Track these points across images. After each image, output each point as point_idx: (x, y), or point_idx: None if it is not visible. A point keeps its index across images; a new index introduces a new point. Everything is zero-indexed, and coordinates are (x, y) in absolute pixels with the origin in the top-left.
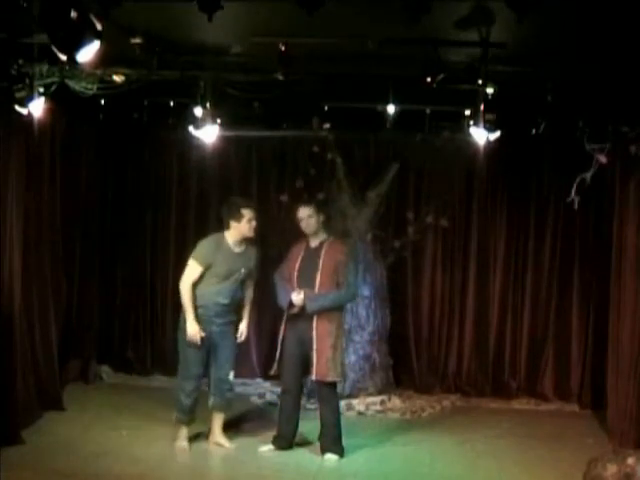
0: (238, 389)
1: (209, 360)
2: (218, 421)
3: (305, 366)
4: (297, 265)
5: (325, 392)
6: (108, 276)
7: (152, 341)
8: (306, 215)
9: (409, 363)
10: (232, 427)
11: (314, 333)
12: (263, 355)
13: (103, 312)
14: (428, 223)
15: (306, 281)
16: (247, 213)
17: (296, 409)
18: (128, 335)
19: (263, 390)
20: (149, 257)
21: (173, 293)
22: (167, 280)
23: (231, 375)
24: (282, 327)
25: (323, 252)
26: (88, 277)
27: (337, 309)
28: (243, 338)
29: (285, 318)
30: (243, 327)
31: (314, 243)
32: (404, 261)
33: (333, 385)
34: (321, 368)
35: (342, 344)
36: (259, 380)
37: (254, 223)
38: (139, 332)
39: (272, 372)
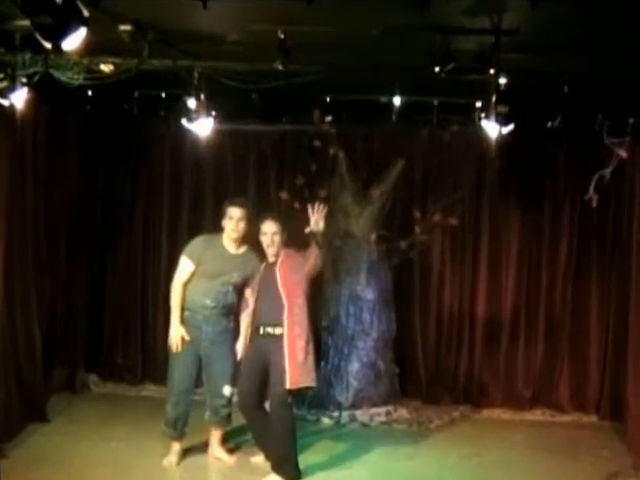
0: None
1: (202, 372)
2: (216, 435)
3: (264, 383)
4: (257, 288)
5: (278, 405)
6: (96, 278)
7: (143, 348)
8: (272, 231)
9: (416, 371)
10: (233, 439)
11: (284, 341)
12: None
13: (91, 316)
14: (436, 222)
15: (269, 302)
16: (230, 211)
17: (264, 423)
18: (118, 341)
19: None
20: (140, 258)
21: (166, 296)
22: (159, 282)
23: (226, 390)
24: (247, 341)
25: (279, 263)
26: (74, 279)
27: (305, 314)
28: (239, 357)
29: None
30: (239, 346)
31: (272, 259)
32: (411, 262)
33: (288, 400)
34: (294, 374)
35: (312, 349)
36: None
37: (241, 224)
38: (129, 338)
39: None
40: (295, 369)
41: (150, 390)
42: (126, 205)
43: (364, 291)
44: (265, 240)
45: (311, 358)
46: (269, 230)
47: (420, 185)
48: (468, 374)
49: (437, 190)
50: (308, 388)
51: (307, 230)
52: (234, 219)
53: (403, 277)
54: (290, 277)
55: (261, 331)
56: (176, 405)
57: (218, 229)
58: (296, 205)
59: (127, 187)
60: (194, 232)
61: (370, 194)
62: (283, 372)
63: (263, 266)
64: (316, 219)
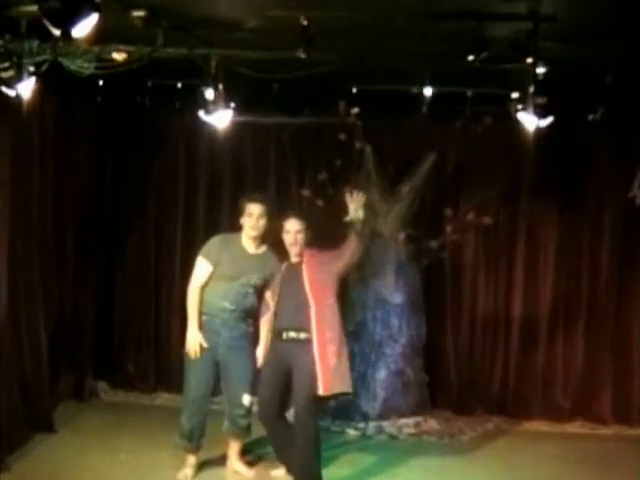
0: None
1: (220, 380)
2: (234, 448)
3: (286, 391)
4: (277, 289)
5: (303, 413)
6: (106, 278)
7: (156, 354)
8: (296, 229)
9: (447, 379)
10: (253, 452)
11: (313, 346)
12: None
13: (100, 320)
14: (469, 220)
15: (293, 305)
16: (248, 207)
17: (285, 435)
18: (129, 346)
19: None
20: (153, 258)
21: (181, 299)
22: (173, 283)
23: (246, 399)
24: (267, 348)
25: (304, 263)
26: (83, 279)
27: (336, 316)
28: (259, 364)
29: (270, 336)
30: (259, 352)
31: (295, 259)
32: (442, 264)
33: (314, 406)
34: (326, 380)
35: (347, 352)
36: None
37: (260, 222)
38: (142, 343)
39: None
40: (327, 375)
41: (163, 399)
42: (138, 202)
43: (392, 294)
44: (288, 239)
45: (345, 362)
46: (292, 228)
47: (452, 181)
48: (503, 383)
49: (470, 187)
50: (343, 394)
51: (347, 219)
52: (253, 216)
53: (433, 279)
54: (317, 277)
55: (284, 336)
56: (192, 415)
57: (236, 228)
58: (319, 203)
59: (139, 183)
60: (210, 231)
61: (398, 191)
62: (312, 379)
63: (284, 267)
64: (355, 207)
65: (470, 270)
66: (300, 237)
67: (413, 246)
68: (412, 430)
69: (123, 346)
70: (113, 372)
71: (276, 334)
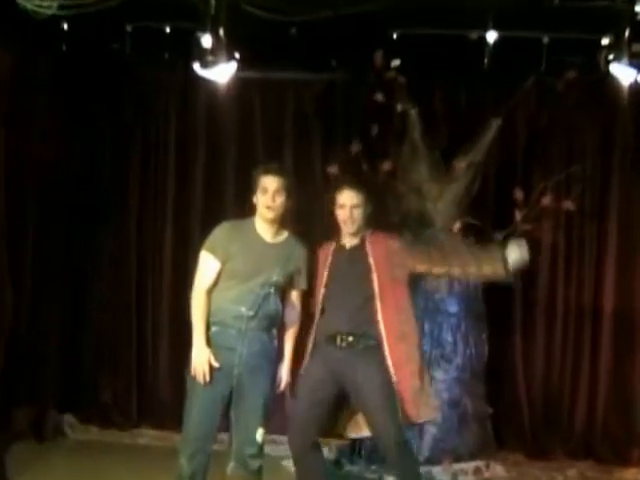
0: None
1: (230, 408)
2: None
3: (331, 414)
4: (324, 280)
5: (397, 448)
6: (75, 284)
7: (140, 381)
8: (352, 203)
9: (517, 413)
10: None
11: (386, 353)
12: None
13: (67, 338)
14: (545, 206)
15: (347, 296)
16: (263, 181)
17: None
18: (104, 372)
19: None
20: (134, 256)
21: (170, 309)
22: (161, 290)
23: (259, 435)
24: (308, 355)
25: (369, 246)
26: (45, 286)
27: (414, 323)
28: (283, 387)
29: (313, 342)
30: (283, 371)
31: (351, 242)
32: None
33: (407, 439)
34: (410, 405)
35: (427, 368)
36: None
37: (278, 199)
38: (121, 367)
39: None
40: (411, 398)
41: (148, 437)
42: (116, 184)
43: (445, 302)
44: (342, 214)
45: (428, 380)
46: (348, 202)
47: (523, 155)
48: (589, 417)
49: (546, 162)
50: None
51: (506, 257)
52: (269, 192)
53: (499, 283)
54: (386, 269)
55: (337, 341)
56: (194, 456)
57: (243, 215)
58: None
59: (118, 159)
60: (209, 219)
61: (453, 167)
62: (393, 400)
63: (331, 250)
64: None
65: (546, 270)
66: (358, 213)
67: (473, 238)
68: (471, 478)
69: (96, 372)
70: (84, 403)
71: (325, 338)
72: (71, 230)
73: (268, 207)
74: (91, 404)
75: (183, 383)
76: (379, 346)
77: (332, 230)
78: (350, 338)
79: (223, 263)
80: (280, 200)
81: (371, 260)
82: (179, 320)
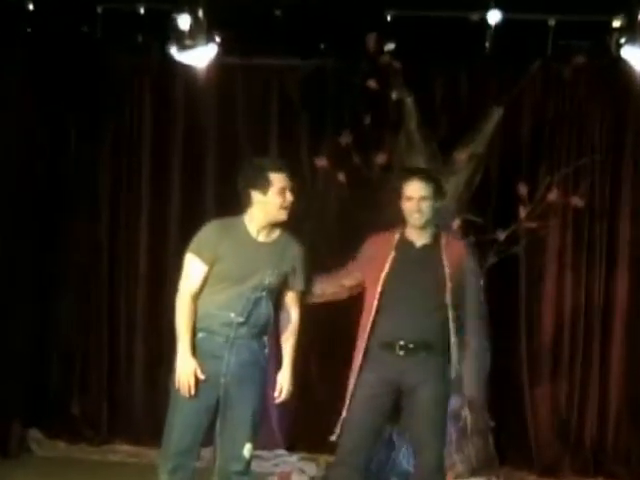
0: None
1: (215, 421)
2: None
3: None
4: (384, 274)
5: (435, 477)
6: (40, 287)
7: (111, 392)
8: (420, 195)
9: (521, 425)
10: None
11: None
12: (287, 413)
13: (33, 345)
14: (551, 202)
15: (415, 301)
16: (278, 180)
17: None
18: (73, 382)
19: (288, 467)
20: (106, 256)
21: (145, 316)
22: (136, 295)
23: (247, 451)
24: (358, 363)
25: (444, 250)
26: (8, 289)
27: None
28: (284, 397)
29: (365, 347)
30: (283, 378)
31: (420, 240)
32: (514, 262)
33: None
34: None
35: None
36: (281, 452)
37: (289, 197)
38: (91, 378)
39: (334, 437)
40: None
41: (121, 453)
42: (86, 178)
43: None
44: (409, 206)
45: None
46: (416, 194)
47: (528, 147)
48: (599, 431)
49: (553, 154)
50: None
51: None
52: (285, 192)
53: (502, 284)
54: (456, 280)
55: (397, 348)
56: (174, 472)
57: (224, 210)
58: (340, 176)
59: (87, 151)
60: (188, 214)
61: (453, 160)
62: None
63: (395, 241)
64: None
65: (553, 271)
66: (426, 205)
67: (473, 237)
68: None
69: (64, 382)
70: (50, 417)
71: (383, 345)
72: (37, 228)
73: (282, 208)
74: (58, 418)
75: (159, 394)
76: (443, 359)
77: (325, 228)
78: (411, 345)
79: (210, 266)
80: (290, 200)
81: (446, 265)
82: (155, 327)
